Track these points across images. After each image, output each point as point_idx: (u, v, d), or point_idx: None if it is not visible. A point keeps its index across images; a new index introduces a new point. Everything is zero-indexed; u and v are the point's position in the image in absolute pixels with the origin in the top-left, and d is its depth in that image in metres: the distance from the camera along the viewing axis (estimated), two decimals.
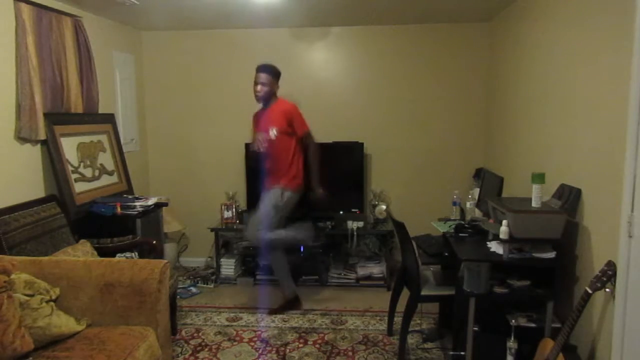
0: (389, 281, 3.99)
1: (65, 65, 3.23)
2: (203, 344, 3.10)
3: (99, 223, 3.18)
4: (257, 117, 3.54)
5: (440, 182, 4.32)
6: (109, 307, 2.30)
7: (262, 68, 3.36)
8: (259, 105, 3.50)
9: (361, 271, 4.09)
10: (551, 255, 2.34)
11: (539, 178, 2.39)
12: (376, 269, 4.10)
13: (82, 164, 3.34)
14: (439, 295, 2.80)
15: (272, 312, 3.51)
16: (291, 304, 3.55)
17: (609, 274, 1.93)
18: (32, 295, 2.12)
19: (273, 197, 3.39)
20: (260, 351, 3.00)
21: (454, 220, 3.27)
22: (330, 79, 4.34)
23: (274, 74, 3.39)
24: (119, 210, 3.24)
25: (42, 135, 3.01)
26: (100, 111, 3.66)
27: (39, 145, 3.09)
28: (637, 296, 1.86)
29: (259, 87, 3.35)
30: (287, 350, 3.01)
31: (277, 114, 3.38)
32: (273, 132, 3.37)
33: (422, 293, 2.75)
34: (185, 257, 4.66)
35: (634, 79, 1.85)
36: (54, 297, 2.22)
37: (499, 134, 3.89)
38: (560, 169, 2.58)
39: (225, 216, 4.27)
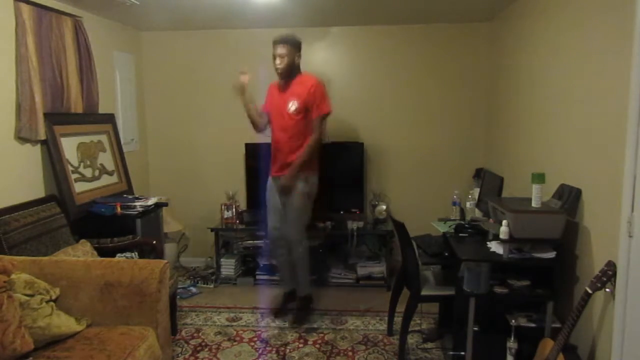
0: (389, 281, 3.99)
1: (65, 65, 3.23)
2: (203, 344, 3.10)
3: (99, 223, 3.18)
4: (271, 91, 3.29)
5: (440, 182, 4.32)
6: (109, 307, 2.30)
7: (279, 39, 3.09)
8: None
9: (361, 271, 4.09)
10: (551, 255, 2.34)
11: (539, 178, 2.39)
12: (376, 269, 4.10)
13: (82, 164, 3.34)
14: (439, 295, 2.80)
15: (298, 320, 3.33)
16: (309, 304, 3.47)
17: (609, 274, 1.93)
18: (32, 295, 2.12)
19: (300, 187, 3.18)
20: (260, 351, 3.00)
21: (454, 220, 3.27)
22: (330, 79, 4.32)
23: (293, 43, 3.12)
24: (119, 210, 3.24)
25: (42, 135, 3.01)
26: (100, 111, 3.66)
27: (39, 145, 3.09)
28: (637, 296, 1.86)
29: (278, 61, 3.08)
30: (287, 350, 3.01)
31: (300, 87, 3.12)
32: (293, 107, 3.11)
33: (422, 293, 2.75)
34: (185, 257, 4.66)
35: (634, 79, 1.85)
36: (54, 297, 2.22)
37: (499, 134, 3.89)
38: (560, 169, 2.58)
39: (225, 216, 4.27)
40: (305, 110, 3.13)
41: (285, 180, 3.16)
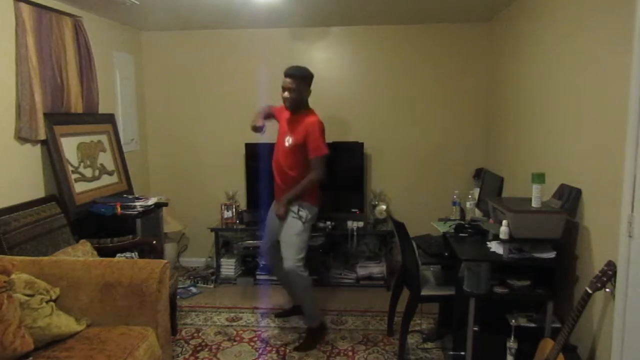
0: (389, 281, 3.99)
1: (65, 65, 3.23)
2: (203, 344, 3.10)
3: (99, 223, 3.18)
4: (283, 113, 3.18)
5: (440, 182, 4.32)
6: (109, 307, 2.30)
7: (288, 72, 3.00)
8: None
9: (361, 271, 4.09)
10: (551, 255, 2.35)
11: (539, 178, 2.39)
12: (376, 269, 4.10)
13: (82, 164, 3.34)
14: (439, 295, 2.80)
15: (301, 348, 3.06)
16: (318, 335, 3.16)
17: (609, 274, 1.93)
18: (32, 295, 2.12)
19: (290, 217, 3.04)
20: (260, 351, 3.00)
21: (454, 220, 3.27)
22: (330, 79, 4.34)
23: (303, 77, 3.02)
24: (119, 210, 3.24)
25: (42, 135, 3.01)
26: (100, 111, 3.66)
27: (39, 145, 3.09)
28: (637, 296, 1.86)
29: (286, 94, 3.00)
30: (287, 350, 3.01)
31: (300, 127, 3.01)
32: (288, 141, 3.04)
33: (422, 293, 2.75)
34: (185, 257, 4.66)
35: (634, 79, 1.85)
36: (54, 297, 2.22)
37: (499, 134, 3.89)
38: (560, 169, 2.58)
39: (225, 216, 4.27)
40: (297, 148, 3.03)
41: (278, 207, 3.08)
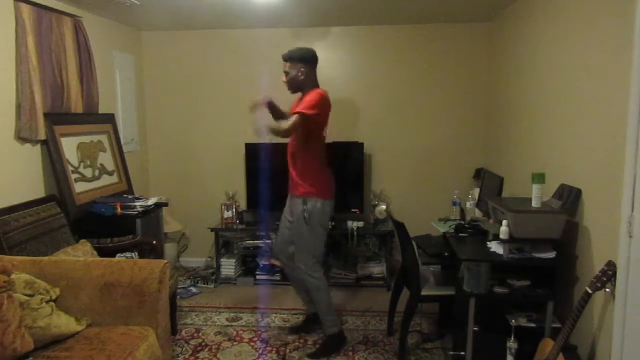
0: (389, 281, 3.99)
1: (65, 65, 3.23)
2: (203, 344, 3.10)
3: (99, 223, 3.18)
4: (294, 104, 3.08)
5: (440, 182, 4.32)
6: (109, 307, 2.30)
7: (284, 55, 2.93)
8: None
9: (361, 271, 4.09)
10: (551, 255, 2.35)
11: (539, 178, 2.39)
12: (376, 269, 4.10)
13: (82, 164, 3.34)
14: (439, 295, 2.81)
15: (313, 355, 2.95)
16: (335, 343, 3.02)
17: (609, 274, 1.93)
18: (32, 295, 2.12)
19: (298, 211, 2.93)
20: (260, 351, 3.00)
21: (454, 220, 3.27)
22: (330, 79, 4.32)
23: (300, 58, 2.91)
24: (119, 210, 3.24)
25: (42, 135, 3.01)
26: (100, 111, 3.66)
27: (39, 145, 3.09)
28: (637, 296, 1.86)
29: (283, 77, 2.95)
30: (287, 350, 3.01)
31: (303, 99, 2.92)
32: None
33: (422, 293, 2.75)
34: (185, 257, 4.66)
35: (634, 79, 1.85)
36: (54, 297, 2.22)
37: (499, 134, 3.89)
38: (560, 169, 2.59)
39: (225, 216, 4.27)
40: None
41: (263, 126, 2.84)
